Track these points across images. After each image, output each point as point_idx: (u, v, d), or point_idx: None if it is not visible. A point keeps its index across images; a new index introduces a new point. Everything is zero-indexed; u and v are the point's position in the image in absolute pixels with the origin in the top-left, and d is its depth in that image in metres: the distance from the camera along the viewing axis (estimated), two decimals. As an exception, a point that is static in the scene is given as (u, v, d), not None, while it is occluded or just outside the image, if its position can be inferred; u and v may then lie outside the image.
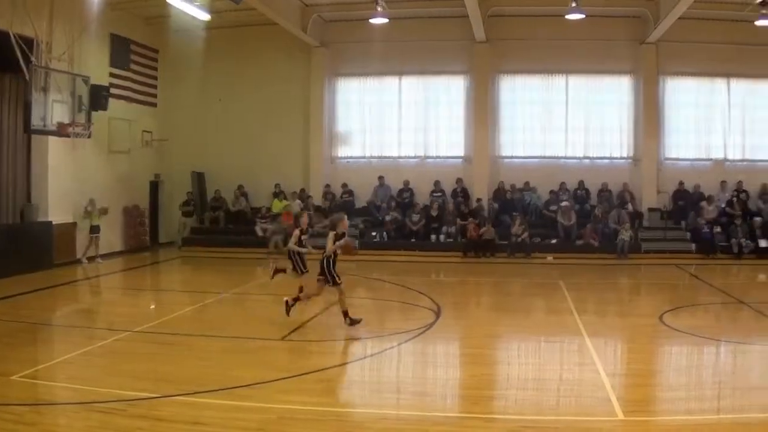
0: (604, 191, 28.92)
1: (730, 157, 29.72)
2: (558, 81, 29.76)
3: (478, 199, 28.85)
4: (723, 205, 28.10)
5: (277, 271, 17.01)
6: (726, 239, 26.82)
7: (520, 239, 26.41)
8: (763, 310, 16.66)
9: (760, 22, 24.71)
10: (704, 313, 17.37)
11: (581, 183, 29.24)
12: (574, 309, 16.75)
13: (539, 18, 28.40)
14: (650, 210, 28.92)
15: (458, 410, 9.70)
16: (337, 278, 13.84)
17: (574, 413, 9.33)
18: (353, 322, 13.94)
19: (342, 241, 13.99)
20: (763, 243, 26.80)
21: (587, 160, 29.83)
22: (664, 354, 13.39)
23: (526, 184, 29.14)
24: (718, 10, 26.97)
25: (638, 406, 9.66)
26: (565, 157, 29.76)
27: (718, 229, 27.16)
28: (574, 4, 23.94)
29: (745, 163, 29.63)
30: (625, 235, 26.55)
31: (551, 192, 28.92)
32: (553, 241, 27.14)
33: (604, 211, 27.56)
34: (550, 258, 26.20)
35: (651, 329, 14.65)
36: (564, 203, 27.77)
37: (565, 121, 29.70)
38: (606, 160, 29.88)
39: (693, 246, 26.83)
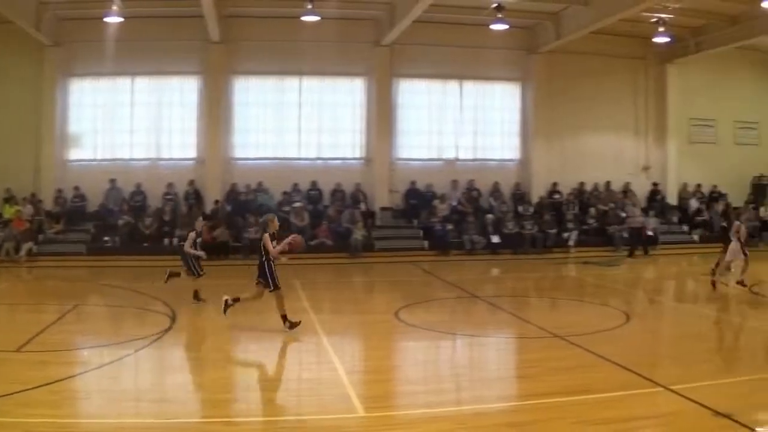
0: (337, 191, 29.69)
1: (462, 156, 31.45)
2: (292, 82, 30.13)
3: (216, 201, 28.66)
4: (455, 203, 29.50)
5: (171, 275, 17.30)
6: (458, 236, 27.96)
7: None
8: (497, 303, 17.97)
9: (494, 26, 26.16)
10: (439, 308, 18.14)
11: (314, 183, 29.76)
12: (310, 308, 16.95)
13: (275, 19, 28.69)
14: (383, 209, 30.21)
15: (199, 415, 9.55)
16: (277, 282, 14.05)
17: (315, 412, 9.40)
18: (293, 326, 14.07)
19: (288, 239, 14.44)
20: (494, 239, 28.57)
21: (320, 161, 30.38)
22: (401, 349, 13.84)
23: (260, 184, 29.13)
24: (453, 14, 28.58)
25: (378, 401, 9.90)
26: (299, 158, 30.16)
27: (450, 226, 28.41)
28: (309, 6, 24.19)
29: (476, 162, 31.42)
30: (359, 234, 27.42)
31: (284, 193, 29.24)
32: (287, 242, 26.77)
33: (337, 211, 28.01)
34: (284, 258, 25.89)
35: (387, 326, 15.11)
36: (297, 204, 28.06)
37: (299, 123, 30.11)
38: (339, 161, 30.57)
39: (426, 243, 27.90)
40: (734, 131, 36.01)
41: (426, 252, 27.53)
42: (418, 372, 11.80)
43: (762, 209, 32.94)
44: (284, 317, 14.05)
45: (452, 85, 31.34)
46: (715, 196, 34.33)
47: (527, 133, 32.01)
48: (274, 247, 14.04)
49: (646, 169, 34.19)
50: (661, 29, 28.45)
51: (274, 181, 29.30)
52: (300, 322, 14.26)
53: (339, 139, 30.39)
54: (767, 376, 11.31)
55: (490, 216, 29.33)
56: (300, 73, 29.85)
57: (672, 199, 33.82)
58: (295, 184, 29.35)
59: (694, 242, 31.67)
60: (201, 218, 19.72)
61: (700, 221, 32.61)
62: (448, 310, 18.04)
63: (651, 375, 11.02)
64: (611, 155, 33.32)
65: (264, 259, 14.05)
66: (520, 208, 30.38)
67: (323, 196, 29.72)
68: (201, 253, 17.17)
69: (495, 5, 25.68)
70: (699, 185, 34.54)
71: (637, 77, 33.97)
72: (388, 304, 17.74)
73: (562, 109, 31.78)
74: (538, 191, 31.80)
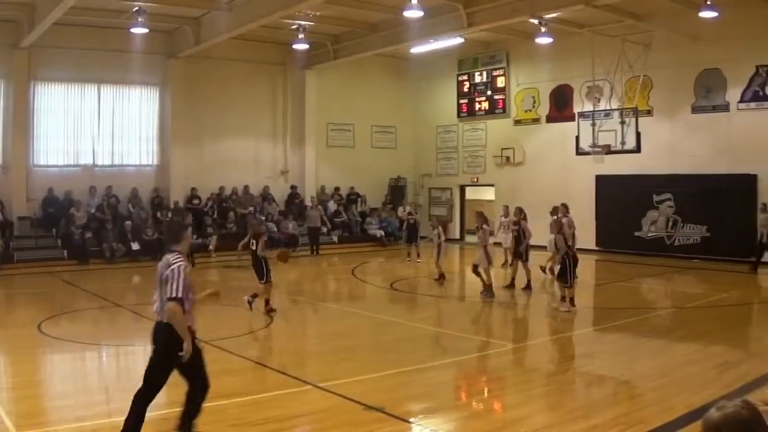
0: (-27, 201, 29.02)
1: (100, 162, 32.35)
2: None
3: None
4: (93, 211, 30.63)
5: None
6: (98, 244, 28.52)
7: None
8: (140, 312, 18.19)
9: (135, 30, 27.57)
10: (83, 319, 18.78)
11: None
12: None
13: None
14: (21, 218, 30.15)
15: None
16: (270, 276, 18.41)
17: (-38, 435, 9.38)
18: (249, 303, 18.37)
19: (277, 252, 20.24)
20: (135, 246, 29.83)
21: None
22: (47, 363, 14.16)
23: None
24: (94, 17, 29.00)
25: (29, 418, 10.03)
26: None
27: (89, 234, 29.52)
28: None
29: (114, 168, 32.63)
30: (-3, 245, 26.77)
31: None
32: None
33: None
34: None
35: (31, 339, 15.45)
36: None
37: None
38: (-26, 169, 30.55)
39: (65, 253, 28.64)
40: (371, 135, 40.16)
41: (66, 262, 27.90)
42: (67, 385, 12.06)
43: (400, 209, 35.46)
44: (259, 298, 18.40)
45: (91, 89, 31.98)
46: (353, 199, 38.22)
47: (166, 138, 33.53)
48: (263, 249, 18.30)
49: (284, 172, 37.01)
50: (300, 36, 30.10)
51: None
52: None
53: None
54: (413, 368, 12.73)
55: (129, 223, 30.41)
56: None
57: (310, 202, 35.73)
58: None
59: (333, 243, 33.80)
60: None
61: (338, 222, 34.63)
62: (92, 320, 18.56)
63: (300, 374, 12.22)
64: (250, 159, 35.80)
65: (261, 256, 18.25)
66: (159, 214, 31.58)
67: (-41, 207, 29.46)
68: None
69: (136, 9, 26.20)
70: (337, 188, 37.92)
71: (277, 83, 36.86)
72: (31, 317, 17.69)
73: (201, 114, 33.90)
74: (176, 197, 33.22)
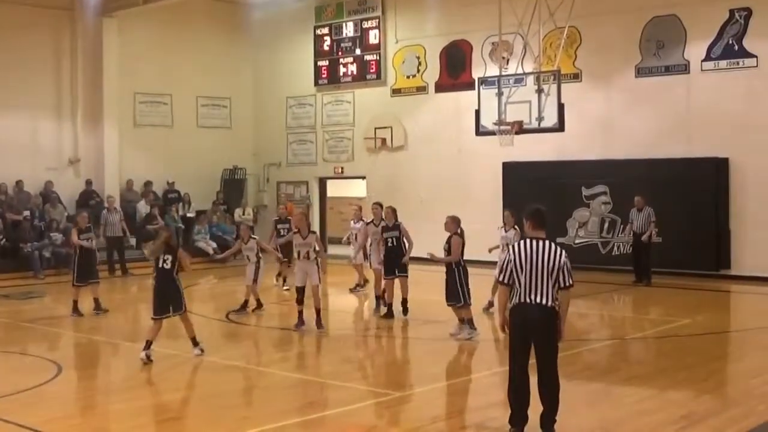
0: None
1: None
2: None
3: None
4: None
5: None
6: None
7: None
8: None
9: None
10: None
11: None
12: None
13: None
14: None
15: None
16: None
17: None
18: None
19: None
20: None
21: None
22: None
23: None
24: None
25: None
26: None
27: None
28: None
29: None
30: None
31: None
32: None
33: None
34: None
35: None
36: None
37: None
38: None
39: None
40: (197, 110, 38.47)
41: None
42: None
43: (238, 212, 35.36)
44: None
45: None
46: (172, 198, 36.02)
47: None
48: None
49: (74, 162, 34.77)
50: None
51: None
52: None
53: None
54: (266, 428, 11.94)
55: None
56: None
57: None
58: None
59: (145, 258, 31.27)
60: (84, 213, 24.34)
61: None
62: None
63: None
64: (25, 144, 33.41)
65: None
66: None
67: None
68: None
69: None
70: (149, 182, 35.83)
71: (63, 36, 34.47)
72: None
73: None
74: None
